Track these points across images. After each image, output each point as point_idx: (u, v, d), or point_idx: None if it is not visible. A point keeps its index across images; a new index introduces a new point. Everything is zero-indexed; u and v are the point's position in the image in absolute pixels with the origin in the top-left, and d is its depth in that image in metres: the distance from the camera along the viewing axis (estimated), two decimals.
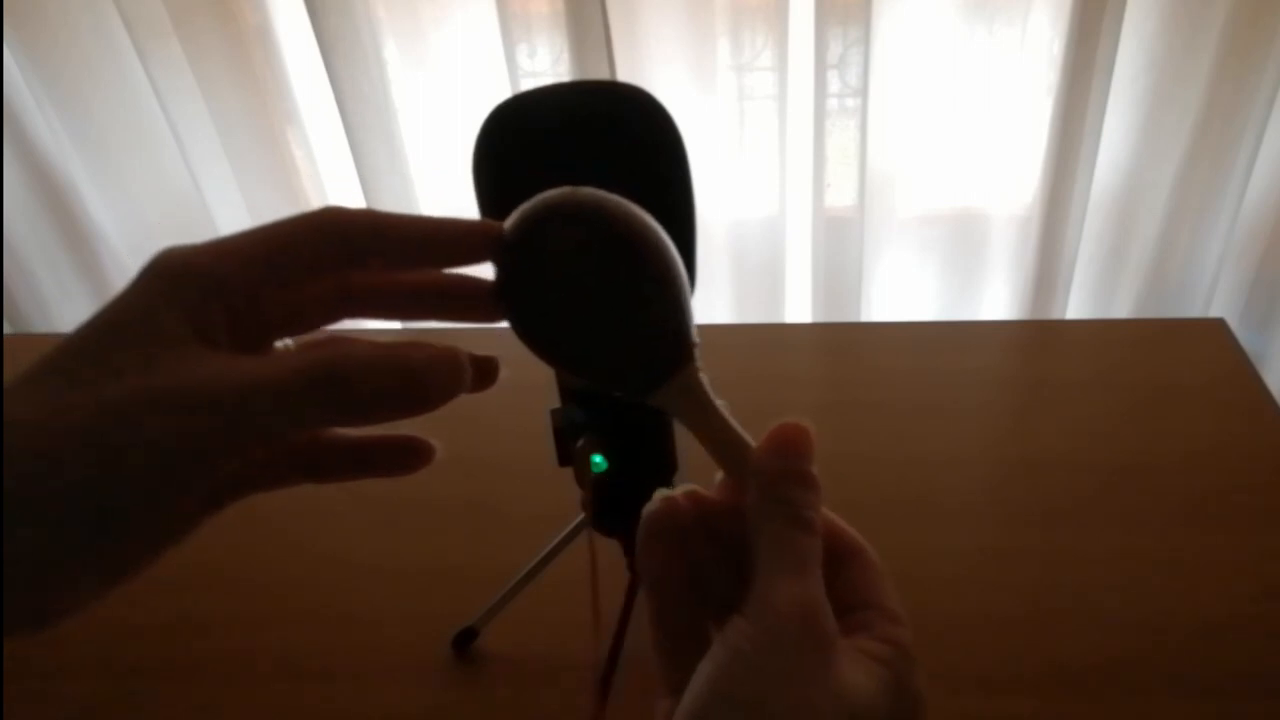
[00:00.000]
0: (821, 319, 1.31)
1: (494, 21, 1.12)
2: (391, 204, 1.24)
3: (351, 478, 0.29)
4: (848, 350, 0.87)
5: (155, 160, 1.29)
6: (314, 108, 1.25)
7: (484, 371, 0.27)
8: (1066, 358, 0.83)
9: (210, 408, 0.22)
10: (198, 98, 1.21)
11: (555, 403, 0.43)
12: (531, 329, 0.27)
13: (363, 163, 1.21)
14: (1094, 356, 0.82)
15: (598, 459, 0.42)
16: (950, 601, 0.58)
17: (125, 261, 1.35)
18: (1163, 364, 0.79)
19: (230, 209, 1.30)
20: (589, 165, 0.37)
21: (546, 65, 1.15)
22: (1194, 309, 1.25)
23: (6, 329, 1.40)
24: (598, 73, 1.11)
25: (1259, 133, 1.12)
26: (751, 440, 0.27)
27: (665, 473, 0.45)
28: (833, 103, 1.14)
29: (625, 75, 1.12)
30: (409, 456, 0.28)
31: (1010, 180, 1.20)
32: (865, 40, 1.09)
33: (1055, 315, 1.26)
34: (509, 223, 0.27)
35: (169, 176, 1.29)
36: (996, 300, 1.30)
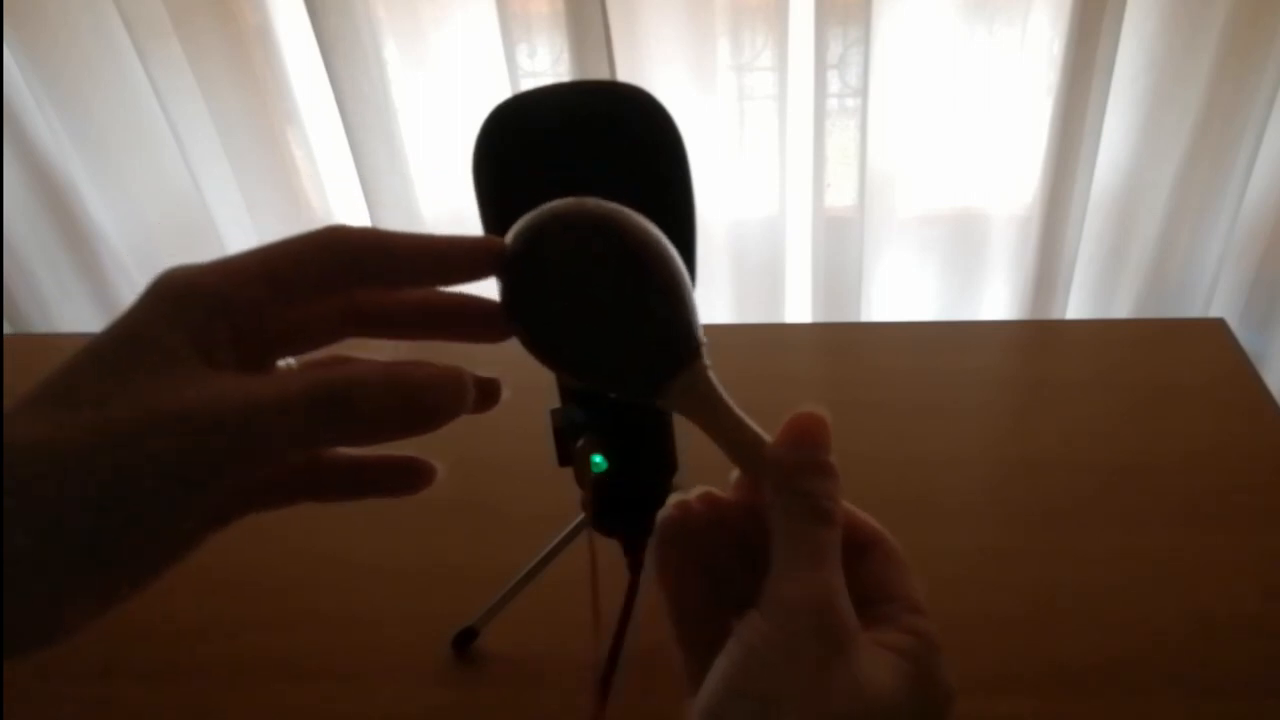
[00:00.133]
0: (821, 319, 1.31)
1: (494, 21, 1.12)
2: (391, 204, 1.24)
3: (353, 497, 0.29)
4: (848, 350, 0.87)
5: (155, 160, 1.28)
6: (314, 108, 1.25)
7: (486, 393, 0.27)
8: (1066, 358, 0.83)
9: (212, 428, 0.22)
10: (198, 98, 1.21)
11: (555, 403, 0.43)
12: (538, 338, 0.27)
13: (363, 163, 1.21)
14: (1094, 356, 0.82)
15: (598, 459, 0.42)
16: (950, 601, 0.58)
17: (125, 261, 1.35)
18: (1163, 364, 0.79)
19: (230, 209, 1.30)
20: (589, 165, 0.37)
21: (546, 65, 1.15)
22: (1194, 309, 1.25)
23: (6, 329, 1.40)
24: (598, 73, 1.11)
25: (1259, 133, 1.12)
26: (766, 436, 0.27)
27: (665, 473, 0.45)
28: (833, 103, 1.14)
29: (625, 75, 1.12)
30: (410, 477, 0.28)
31: (1010, 180, 1.20)
32: (865, 40, 1.09)
33: (1055, 315, 1.26)
34: (513, 232, 0.27)
35: (169, 176, 1.29)
36: (996, 300, 1.30)
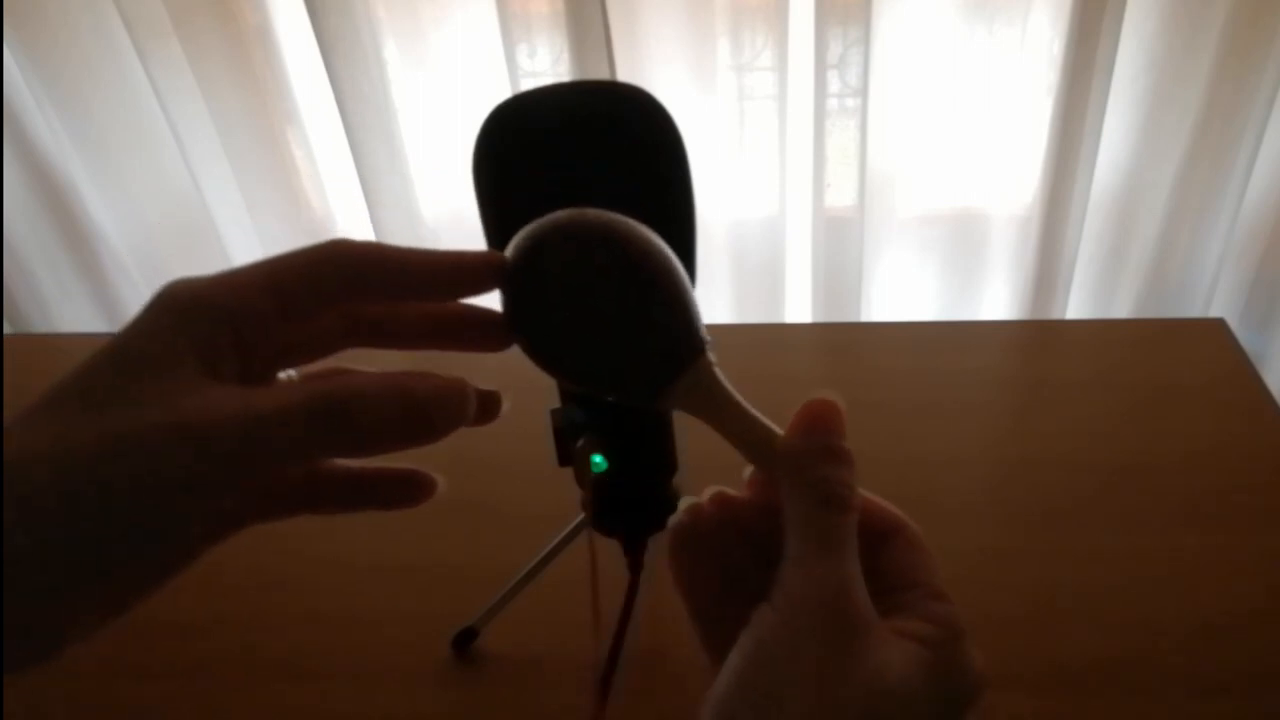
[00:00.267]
0: (821, 319, 1.31)
1: (494, 21, 1.12)
2: (391, 204, 1.24)
3: (352, 509, 0.29)
4: (848, 350, 0.87)
5: (155, 160, 1.28)
6: (314, 108, 1.25)
7: (486, 406, 0.27)
8: (1066, 358, 0.83)
9: (213, 439, 0.22)
10: (198, 98, 1.21)
11: (555, 403, 0.43)
12: (540, 349, 0.27)
13: (363, 163, 1.21)
14: (1094, 356, 0.82)
15: (598, 459, 0.42)
16: None
17: (125, 261, 1.35)
18: (1163, 364, 0.79)
19: (230, 209, 1.30)
20: (589, 165, 0.37)
21: (546, 65, 1.15)
22: (1194, 309, 1.25)
23: (6, 329, 1.40)
24: (598, 73, 1.11)
25: (1259, 133, 1.12)
26: (778, 429, 0.27)
27: (665, 473, 0.45)
28: (833, 103, 1.14)
29: (625, 75, 1.12)
30: (410, 489, 0.29)
31: (1010, 180, 1.20)
32: (865, 40, 1.09)
33: (1055, 315, 1.26)
34: (514, 244, 0.27)
35: (169, 176, 1.29)
36: (996, 300, 1.30)
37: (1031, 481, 0.68)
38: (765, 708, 0.23)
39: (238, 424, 0.22)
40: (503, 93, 0.46)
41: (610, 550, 0.46)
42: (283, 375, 0.27)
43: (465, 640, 0.58)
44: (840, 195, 1.21)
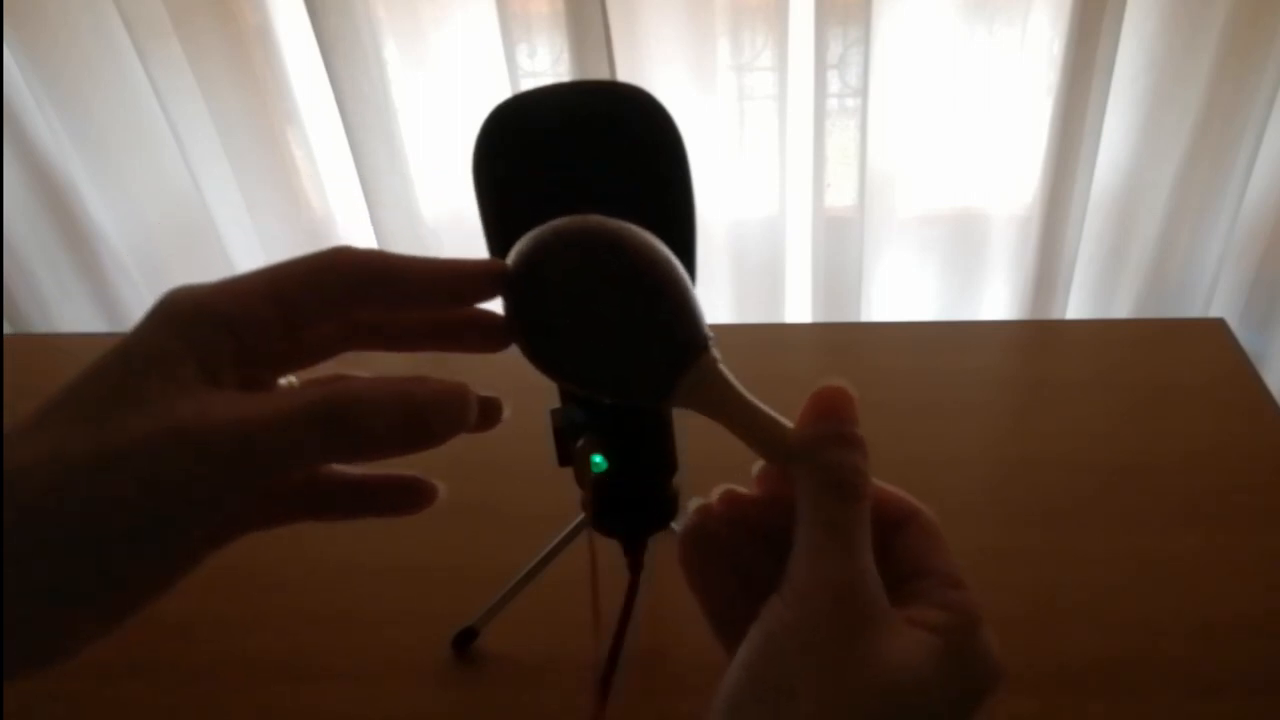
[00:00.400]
0: (821, 319, 1.31)
1: (494, 21, 1.12)
2: (391, 204, 1.24)
3: (353, 516, 0.29)
4: (848, 350, 0.87)
5: (155, 160, 1.28)
6: (314, 108, 1.25)
7: (487, 412, 0.27)
8: (1066, 358, 0.83)
9: (213, 445, 0.22)
10: (198, 98, 1.21)
11: (555, 403, 0.43)
12: (542, 354, 0.27)
13: (363, 163, 1.20)
14: (1094, 356, 0.82)
15: (598, 459, 0.42)
16: None
17: (125, 261, 1.35)
18: (1163, 364, 0.79)
19: (230, 209, 1.30)
20: (589, 165, 0.37)
21: (546, 65, 1.15)
22: (1194, 309, 1.25)
23: (6, 329, 1.40)
24: (598, 73, 1.11)
25: (1259, 133, 1.12)
26: (787, 421, 0.27)
27: (665, 473, 0.45)
28: (833, 103, 1.14)
29: (625, 75, 1.12)
30: (411, 496, 0.28)
31: (1010, 180, 1.20)
32: (865, 40, 1.09)
33: (1055, 315, 1.26)
34: (516, 251, 0.27)
35: (169, 176, 1.29)
36: (996, 300, 1.30)
37: (1031, 481, 0.68)
38: (775, 701, 0.23)
39: (238, 430, 0.22)
40: (503, 93, 0.46)
41: (610, 550, 0.46)
42: (283, 381, 0.27)
43: (465, 640, 0.58)
44: (840, 195, 1.21)
